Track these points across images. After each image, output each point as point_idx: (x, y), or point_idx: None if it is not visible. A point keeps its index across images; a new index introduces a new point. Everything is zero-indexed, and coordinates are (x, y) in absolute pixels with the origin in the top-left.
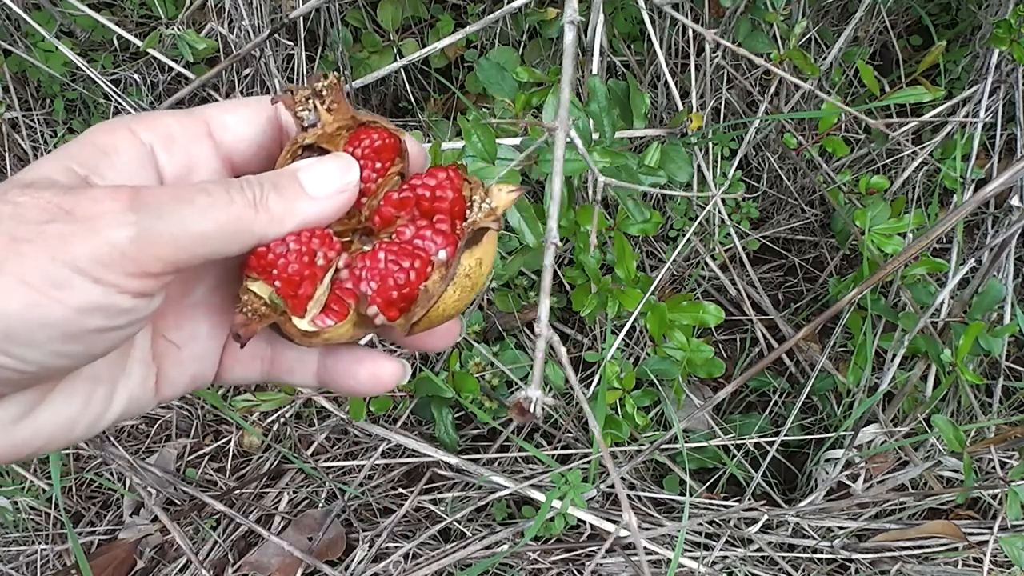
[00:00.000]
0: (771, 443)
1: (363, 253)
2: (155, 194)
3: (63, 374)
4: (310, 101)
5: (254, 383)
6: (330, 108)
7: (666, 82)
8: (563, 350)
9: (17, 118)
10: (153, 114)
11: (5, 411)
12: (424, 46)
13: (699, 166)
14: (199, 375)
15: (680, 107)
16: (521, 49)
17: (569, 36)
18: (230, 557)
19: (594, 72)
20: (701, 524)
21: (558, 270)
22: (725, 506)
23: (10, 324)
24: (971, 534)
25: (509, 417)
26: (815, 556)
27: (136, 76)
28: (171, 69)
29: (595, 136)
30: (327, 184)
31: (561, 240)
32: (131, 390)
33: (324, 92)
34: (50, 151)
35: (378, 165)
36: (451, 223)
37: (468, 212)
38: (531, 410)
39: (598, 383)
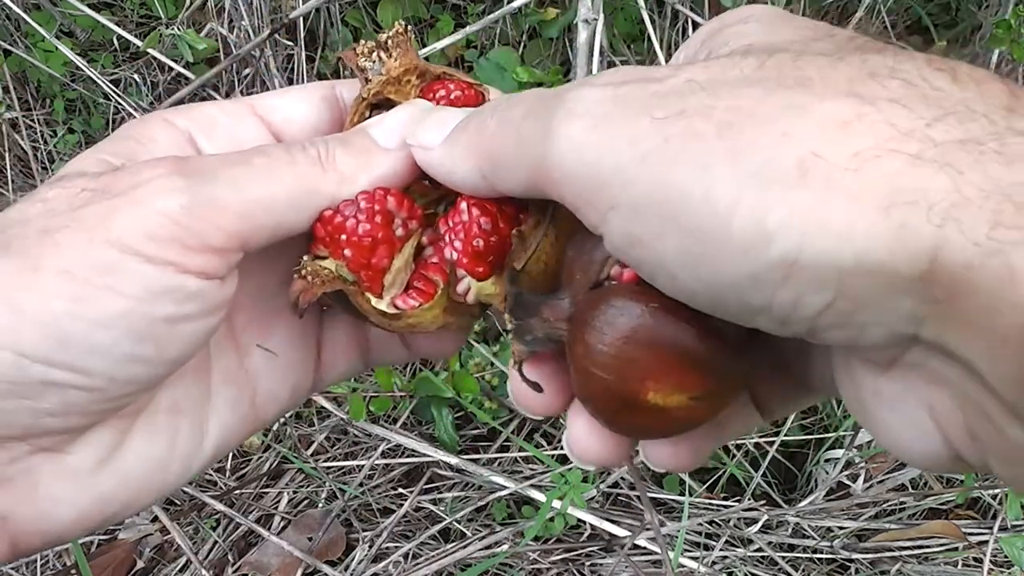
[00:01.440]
0: (771, 443)
1: (443, 217)
2: (203, 160)
3: (140, 394)
4: (374, 53)
5: (354, 375)
6: (397, 59)
7: None
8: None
9: (17, 118)
10: (190, 105)
11: (81, 455)
12: (424, 46)
13: None
14: (299, 384)
15: None
16: (521, 49)
17: (583, 35)
18: (230, 557)
19: (594, 72)
20: (701, 524)
21: None
22: (725, 506)
23: (61, 327)
24: (971, 534)
25: (509, 417)
26: (815, 556)
27: (136, 76)
28: (171, 69)
29: None
30: (402, 134)
31: None
32: (222, 417)
33: (390, 43)
34: (50, 151)
35: None
36: None
37: None
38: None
39: None
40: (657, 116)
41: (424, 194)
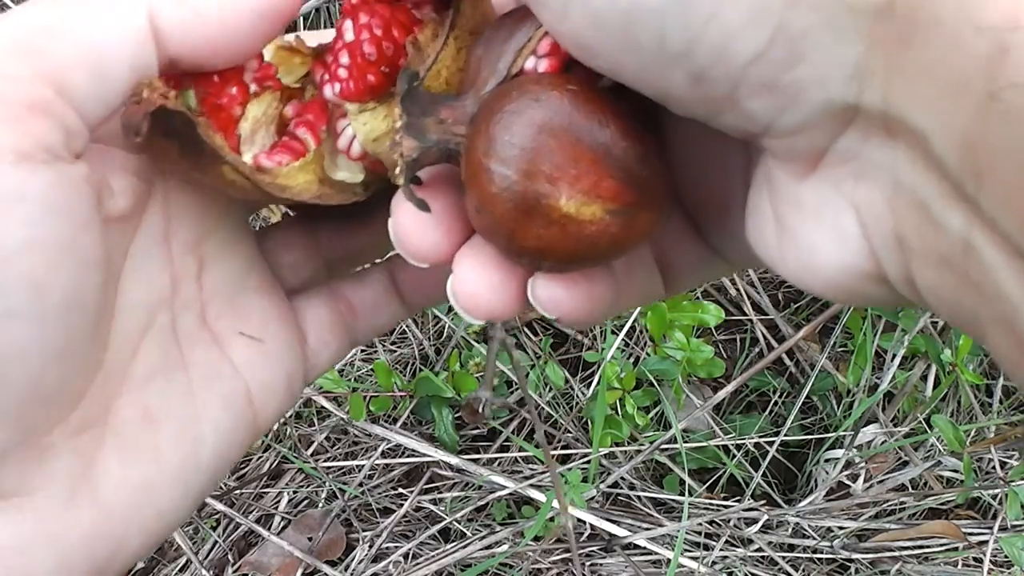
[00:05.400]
0: (771, 443)
1: (321, 60)
2: None
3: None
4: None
5: (346, 352)
6: None
7: None
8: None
9: None
10: None
11: (42, 494)
12: None
13: None
14: (292, 371)
15: None
16: None
17: None
18: (230, 557)
19: None
20: (701, 524)
21: None
22: (725, 506)
23: None
24: (971, 534)
25: (509, 417)
26: (815, 556)
27: None
28: None
29: None
30: None
31: None
32: (216, 421)
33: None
34: None
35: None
36: None
37: None
38: (481, 411)
39: (598, 383)
40: None
41: (289, 69)
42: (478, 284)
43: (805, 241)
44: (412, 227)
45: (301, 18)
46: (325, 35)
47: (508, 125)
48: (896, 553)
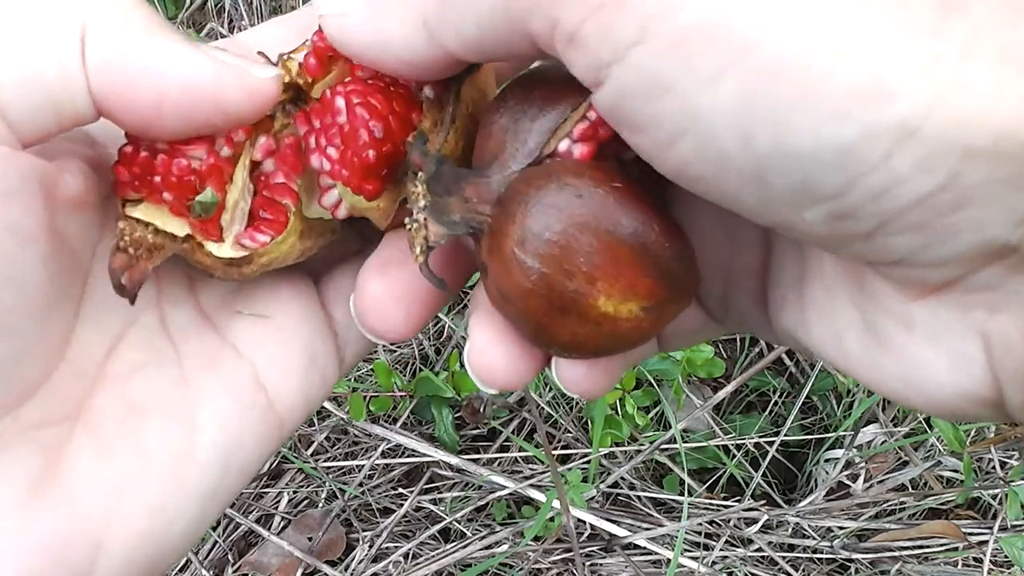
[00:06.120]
0: (771, 443)
1: (303, 112)
2: None
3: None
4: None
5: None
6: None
7: None
8: None
9: None
10: None
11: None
12: None
13: None
14: (316, 350)
15: None
16: None
17: None
18: (230, 557)
19: None
20: (701, 524)
21: None
22: (725, 506)
23: None
24: (971, 534)
25: (509, 417)
26: (815, 556)
27: None
28: None
29: None
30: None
31: None
32: (216, 403)
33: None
34: None
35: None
36: None
37: None
38: (482, 411)
39: None
40: None
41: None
42: (496, 356)
43: (912, 359)
44: (373, 309)
45: None
46: (292, 19)
47: (546, 219)
48: (896, 553)
